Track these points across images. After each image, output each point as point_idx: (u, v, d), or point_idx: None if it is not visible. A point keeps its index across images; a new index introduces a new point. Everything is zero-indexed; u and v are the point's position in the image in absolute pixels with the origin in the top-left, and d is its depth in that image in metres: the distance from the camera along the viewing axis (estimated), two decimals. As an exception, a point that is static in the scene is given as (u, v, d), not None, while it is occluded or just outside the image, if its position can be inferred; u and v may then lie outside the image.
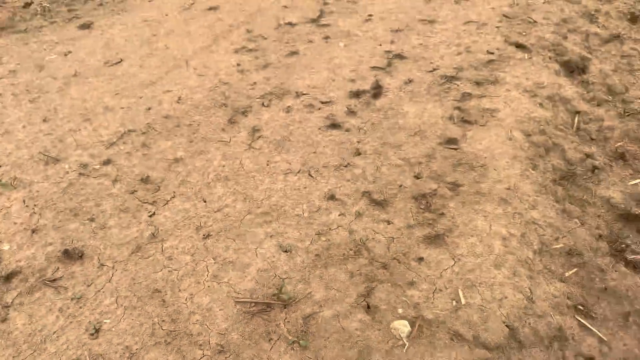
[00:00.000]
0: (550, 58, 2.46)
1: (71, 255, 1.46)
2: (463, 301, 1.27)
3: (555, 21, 2.81)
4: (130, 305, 1.30)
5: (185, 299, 1.31)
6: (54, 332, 1.23)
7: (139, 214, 1.60)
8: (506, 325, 1.22)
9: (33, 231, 1.54)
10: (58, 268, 1.43)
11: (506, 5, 3.01)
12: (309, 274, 1.37)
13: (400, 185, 1.68)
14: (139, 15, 3.16)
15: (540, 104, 2.10)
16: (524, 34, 2.67)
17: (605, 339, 1.24)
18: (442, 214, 1.56)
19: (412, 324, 1.22)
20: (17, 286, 1.36)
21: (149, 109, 2.15)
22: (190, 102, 2.18)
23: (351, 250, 1.44)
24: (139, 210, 1.61)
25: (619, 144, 1.98)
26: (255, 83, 2.31)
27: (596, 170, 1.80)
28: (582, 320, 1.28)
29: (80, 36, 2.91)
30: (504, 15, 2.88)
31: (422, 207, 1.60)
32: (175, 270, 1.39)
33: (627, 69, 2.50)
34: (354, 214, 1.57)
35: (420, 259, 1.41)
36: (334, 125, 2.00)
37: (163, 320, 1.26)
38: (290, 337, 1.20)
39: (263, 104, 2.15)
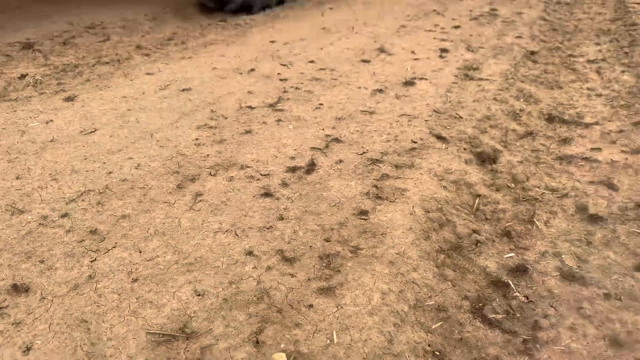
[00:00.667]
0: (464, 149, 2.86)
1: (18, 289, 1.72)
2: (335, 340, 1.54)
3: (479, 117, 3.26)
4: (60, 331, 1.55)
5: (106, 328, 1.56)
6: (-10, 349, 1.48)
7: (83, 259, 1.88)
8: (365, 360, 1.49)
9: (-12, 268, 1.81)
10: (5, 299, 1.69)
11: (439, 102, 3.48)
12: (214, 314, 1.64)
13: (311, 247, 1.99)
14: (120, 91, 3.58)
15: (444, 187, 2.46)
16: (447, 127, 3.10)
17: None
18: (339, 271, 1.86)
19: (289, 357, 1.49)
20: (-34, 311, 1.61)
21: (110, 172, 2.48)
22: (147, 168, 2.52)
23: (255, 296, 1.72)
24: (83, 256, 1.89)
25: (508, 223, 2.33)
26: (208, 155, 2.68)
27: (479, 244, 2.13)
28: (433, 362, 1.55)
29: (63, 107, 3.30)
30: (435, 111, 3.33)
31: (324, 264, 1.90)
32: (102, 305, 1.66)
33: (533, 161, 2.91)
34: (265, 267, 1.86)
35: (310, 306, 1.69)
36: (267, 194, 2.34)
37: (84, 344, 1.51)
38: (185, 361, 1.45)
39: (210, 173, 2.50)
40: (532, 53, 4.87)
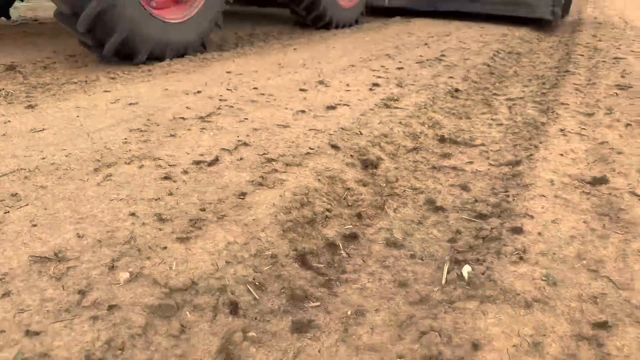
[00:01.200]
0: (351, 156, 3.38)
1: (-60, 228, 2.20)
2: (174, 268, 2.01)
3: (376, 135, 3.80)
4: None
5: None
6: None
7: (-2, 211, 2.37)
8: (188, 279, 1.95)
9: None
10: None
11: (349, 123, 4.02)
12: (86, 249, 2.11)
13: (186, 212, 2.47)
14: (75, 103, 4.15)
15: (319, 180, 2.96)
16: (345, 140, 3.63)
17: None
18: (200, 228, 2.34)
19: (132, 275, 1.95)
20: None
21: (43, 158, 3.00)
22: (75, 156, 3.04)
23: (124, 240, 2.19)
24: (0, 209, 2.38)
25: (363, 209, 2.81)
26: (129, 150, 3.20)
27: (327, 219, 2.62)
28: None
29: (23, 112, 3.86)
30: (341, 128, 3.88)
31: (191, 225, 2.38)
32: (2, 239, 2.14)
33: (410, 169, 3.42)
34: (141, 224, 2.34)
35: (165, 248, 2.16)
36: (167, 177, 2.84)
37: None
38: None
39: (125, 162, 3.01)
40: (456, 90, 5.47)
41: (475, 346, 1.66)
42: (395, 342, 1.77)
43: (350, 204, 2.87)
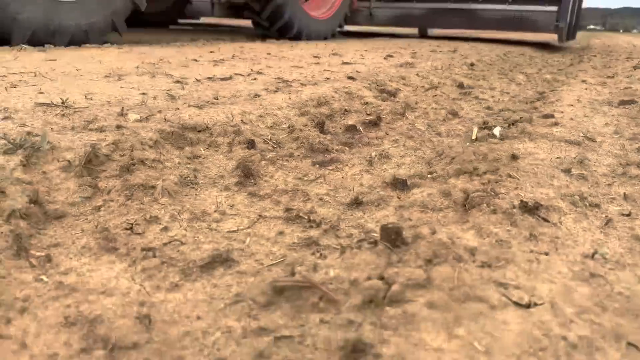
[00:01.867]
0: (369, 84, 3.28)
1: (-56, 93, 2.11)
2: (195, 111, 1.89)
3: (392, 76, 3.72)
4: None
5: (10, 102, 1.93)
6: None
7: (5, 88, 2.28)
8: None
9: None
10: None
11: (364, 70, 3.96)
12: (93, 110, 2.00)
13: (199, 97, 2.37)
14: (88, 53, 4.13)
15: (336, 92, 2.86)
16: (362, 76, 3.54)
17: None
18: (218, 105, 2.23)
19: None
20: None
21: (54, 69, 2.93)
22: (84, 70, 2.98)
23: (139, 102, 2.09)
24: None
25: (383, 115, 2.70)
26: (142, 70, 3.13)
27: (347, 113, 2.50)
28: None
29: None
30: (357, 71, 3.80)
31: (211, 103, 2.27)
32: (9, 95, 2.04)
33: (430, 98, 3.32)
34: (152, 98, 2.24)
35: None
36: (178, 82, 2.75)
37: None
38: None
39: (137, 75, 2.93)
40: (472, 64, 5.42)
41: (514, 157, 1.51)
42: (425, 169, 1.62)
43: (369, 113, 2.75)
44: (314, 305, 0.80)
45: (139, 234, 1.11)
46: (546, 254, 0.94)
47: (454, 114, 2.78)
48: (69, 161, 1.35)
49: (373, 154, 1.80)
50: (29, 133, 1.49)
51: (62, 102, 1.91)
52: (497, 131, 1.94)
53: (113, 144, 1.48)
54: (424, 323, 0.72)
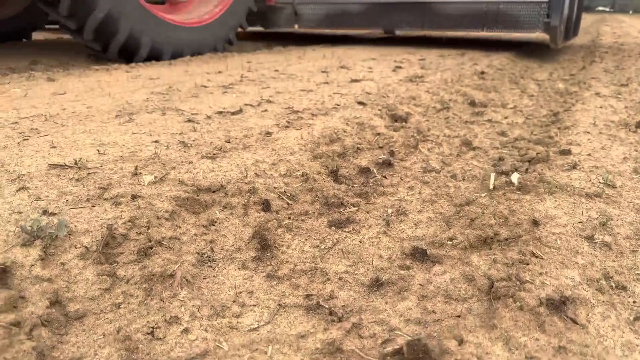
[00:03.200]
0: (380, 110, 3.25)
1: (-42, 150, 2.11)
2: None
3: (404, 97, 3.68)
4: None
5: (19, 164, 1.93)
6: None
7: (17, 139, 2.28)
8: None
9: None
10: (-55, 155, 2.08)
11: (375, 89, 3.92)
12: (106, 163, 1.99)
13: (211, 142, 2.35)
14: (96, 78, 4.13)
15: (347, 124, 2.83)
16: (372, 100, 3.51)
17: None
18: (226, 152, 2.21)
19: (155, 178, 1.82)
20: None
21: (64, 109, 2.93)
22: (96, 108, 2.97)
23: (149, 158, 2.08)
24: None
25: (396, 148, 2.67)
26: (150, 104, 3.12)
27: (359, 151, 2.47)
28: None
29: (44, 84, 3.84)
30: (367, 92, 3.76)
31: (217, 150, 2.25)
32: (21, 151, 2.03)
33: (442, 122, 3.28)
34: (165, 147, 2.22)
35: (191, 163, 2.03)
36: (190, 121, 2.73)
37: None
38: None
39: (147, 111, 2.92)
40: (482, 72, 5.35)
41: (536, 223, 1.48)
42: (443, 231, 1.59)
43: (381, 146, 2.72)
44: None
45: (160, 339, 1.10)
46: (577, 374, 0.92)
47: (468, 145, 2.74)
48: (86, 247, 1.34)
49: (390, 210, 1.77)
50: (44, 212, 1.49)
51: (76, 163, 1.91)
52: (515, 178, 1.91)
53: (129, 221, 1.47)
54: None
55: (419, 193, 2.00)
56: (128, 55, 5.43)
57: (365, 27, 7.81)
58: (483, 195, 1.87)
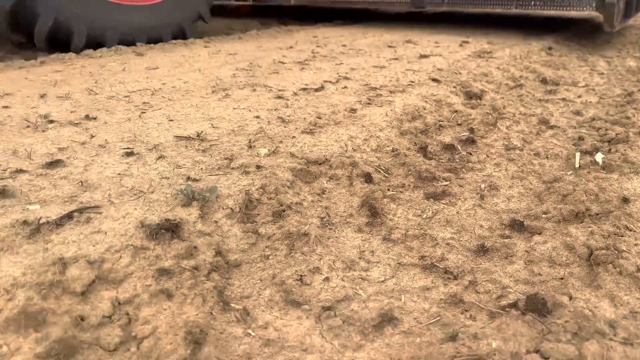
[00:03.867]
0: (454, 87, 3.37)
1: (89, 117, 2.41)
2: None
3: (476, 74, 3.77)
4: (124, 138, 2.21)
5: (148, 135, 2.20)
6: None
7: (136, 112, 2.56)
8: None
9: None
10: (81, 122, 2.38)
11: (445, 66, 4.01)
12: (221, 136, 2.24)
13: (304, 118, 2.56)
14: (180, 53, 4.40)
15: (426, 102, 2.98)
16: (445, 77, 3.62)
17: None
18: (321, 127, 2.42)
19: (268, 151, 2.05)
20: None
21: (164, 84, 3.20)
22: (192, 83, 3.23)
23: (255, 132, 2.31)
24: (136, 111, 2.57)
25: (475, 126, 2.80)
26: (240, 80, 3.35)
27: (442, 128, 2.63)
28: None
29: (134, 58, 4.14)
30: (438, 69, 3.87)
31: (311, 125, 2.46)
32: (146, 127, 2.31)
33: (516, 100, 3.37)
34: (266, 122, 2.45)
35: (293, 137, 2.25)
36: (279, 97, 2.95)
37: (135, 139, 2.15)
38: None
39: (239, 87, 3.16)
40: (550, 48, 5.31)
41: (625, 200, 1.62)
42: (537, 206, 1.75)
43: (460, 123, 2.86)
44: (484, 374, 1.00)
45: (307, 284, 1.34)
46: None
47: (545, 123, 2.84)
48: (231, 208, 1.59)
49: (482, 185, 1.94)
50: (188, 178, 1.74)
51: (198, 136, 2.16)
52: (599, 158, 2.03)
53: (260, 187, 1.70)
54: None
55: (506, 170, 2.15)
56: (60, 45, 4.44)
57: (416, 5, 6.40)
58: (569, 173, 2.01)
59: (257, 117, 2.53)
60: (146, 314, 1.16)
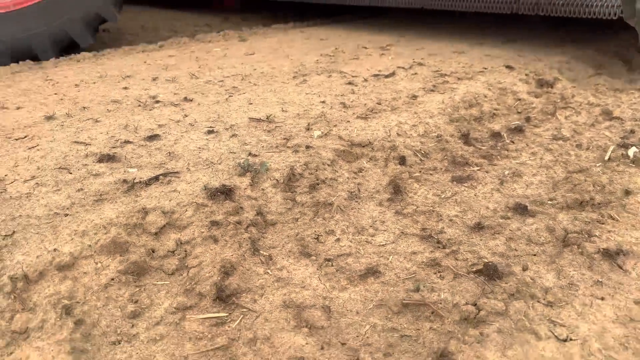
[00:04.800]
0: (526, 75, 3.43)
1: (187, 99, 2.94)
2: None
3: (556, 61, 3.76)
4: (206, 118, 2.71)
5: (229, 117, 2.68)
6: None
7: (224, 96, 3.05)
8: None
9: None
10: (180, 103, 2.92)
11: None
12: (288, 119, 2.64)
13: (365, 104, 2.87)
14: (277, 39, 4.87)
15: (489, 89, 3.12)
16: (522, 62, 3.67)
17: (417, 153, 2.29)
18: (377, 113, 2.72)
19: (321, 134, 2.42)
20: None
21: (255, 69, 3.68)
22: (278, 69, 3.67)
23: (316, 116, 2.68)
24: (225, 94, 3.07)
25: (533, 115, 2.90)
26: (320, 66, 3.72)
27: (494, 116, 2.78)
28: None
29: (237, 44, 4.69)
30: (519, 55, 3.91)
31: (369, 111, 2.77)
32: (230, 108, 2.79)
33: (589, 90, 3.36)
34: (329, 107, 2.81)
35: (348, 122, 2.59)
36: (350, 83, 3.27)
37: (217, 119, 2.64)
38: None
39: (317, 73, 3.53)
40: None
41: (627, 192, 1.74)
42: (548, 193, 1.93)
43: (520, 111, 2.98)
44: (427, 317, 1.29)
45: (321, 242, 1.70)
46: (602, 299, 1.27)
47: (607, 114, 2.86)
48: (277, 180, 1.98)
49: (506, 172, 2.14)
50: (249, 153, 2.17)
51: (267, 118, 2.59)
52: (631, 152, 2.10)
53: (304, 164, 2.08)
54: (490, 343, 1.16)
55: (540, 159, 2.30)
56: None
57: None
58: (597, 165, 2.12)
59: (323, 102, 2.89)
60: (197, 251, 1.61)
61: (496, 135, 2.59)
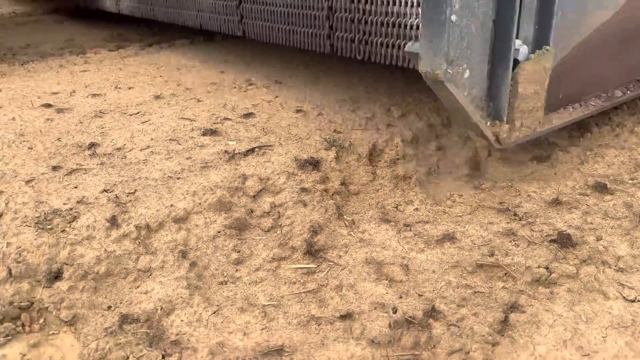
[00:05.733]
0: None
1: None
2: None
3: None
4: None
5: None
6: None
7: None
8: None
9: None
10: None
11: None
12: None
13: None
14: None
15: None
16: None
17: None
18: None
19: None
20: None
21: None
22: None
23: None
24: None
25: None
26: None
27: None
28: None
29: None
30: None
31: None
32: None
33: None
34: (411, 90, 2.91)
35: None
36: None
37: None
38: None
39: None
40: None
41: None
42: (628, 173, 1.93)
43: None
44: (500, 277, 1.39)
45: (401, 211, 1.84)
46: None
47: None
48: (359, 154, 2.14)
49: (587, 153, 2.15)
50: (335, 130, 2.34)
51: (350, 99, 2.74)
52: None
53: (385, 141, 2.22)
54: (559, 300, 1.24)
55: (633, 144, 2.28)
56: None
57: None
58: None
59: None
60: (289, 213, 1.80)
61: (581, 118, 2.57)
